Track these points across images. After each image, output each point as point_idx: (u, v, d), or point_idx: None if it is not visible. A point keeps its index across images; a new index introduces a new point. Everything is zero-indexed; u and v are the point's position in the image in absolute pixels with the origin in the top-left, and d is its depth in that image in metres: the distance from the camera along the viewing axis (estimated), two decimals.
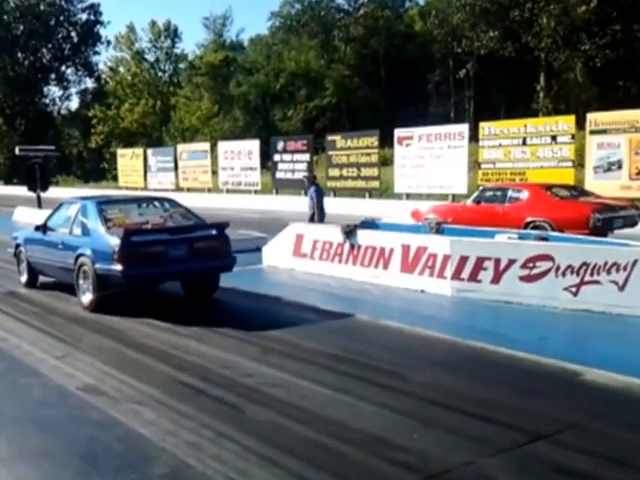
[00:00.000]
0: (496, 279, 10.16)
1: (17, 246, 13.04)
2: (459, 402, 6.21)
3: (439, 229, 12.48)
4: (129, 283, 10.08)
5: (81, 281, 10.66)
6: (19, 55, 77.99)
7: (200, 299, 11.34)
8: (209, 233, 10.87)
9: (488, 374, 7.12)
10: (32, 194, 26.14)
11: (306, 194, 17.26)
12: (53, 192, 31.33)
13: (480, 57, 47.67)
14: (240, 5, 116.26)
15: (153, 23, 78.49)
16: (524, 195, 16.08)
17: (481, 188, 19.09)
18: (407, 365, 7.41)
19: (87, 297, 10.54)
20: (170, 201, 12.41)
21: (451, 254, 10.69)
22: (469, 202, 17.39)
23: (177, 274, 10.77)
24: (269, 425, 5.79)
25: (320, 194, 16.02)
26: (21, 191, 35.10)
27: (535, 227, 14.69)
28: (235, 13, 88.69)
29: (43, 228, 12.02)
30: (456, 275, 10.60)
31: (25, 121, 76.02)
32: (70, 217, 11.44)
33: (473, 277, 10.41)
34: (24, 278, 12.84)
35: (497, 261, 10.16)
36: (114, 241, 9.97)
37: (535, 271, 9.80)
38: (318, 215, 15.47)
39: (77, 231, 11.08)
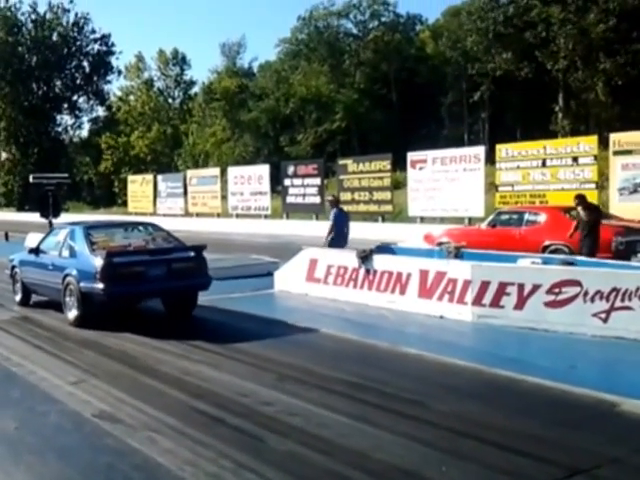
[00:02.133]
0: (520, 305, 9.97)
1: (13, 267, 13.99)
2: (488, 433, 6.02)
3: (458, 253, 12.29)
4: (110, 300, 11.00)
5: (67, 298, 11.52)
6: (33, 85, 79.59)
7: (180, 316, 12.08)
8: (187, 255, 11.75)
9: (516, 404, 6.93)
10: (44, 220, 26.27)
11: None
12: (64, 218, 31.36)
13: (495, 78, 47.64)
14: (250, 32, 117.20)
15: (161, 52, 79.54)
16: (542, 218, 15.93)
17: (497, 211, 18.93)
18: (429, 394, 7.22)
19: (73, 313, 11.39)
20: (153, 226, 13.39)
21: (472, 279, 10.50)
22: (484, 225, 17.28)
23: (156, 292, 11.60)
24: (289, 455, 5.66)
25: (342, 218, 15.47)
26: (33, 217, 35.30)
27: (553, 251, 14.49)
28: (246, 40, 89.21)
29: (36, 251, 12.95)
30: (477, 301, 10.40)
31: (38, 149, 77.14)
32: (60, 241, 12.40)
33: (495, 303, 10.21)
34: (18, 297, 13.77)
35: (521, 286, 9.97)
36: (97, 262, 10.85)
37: (561, 297, 9.59)
38: (337, 239, 14.97)
39: (65, 253, 12.00)
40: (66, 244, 12.08)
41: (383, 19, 63.66)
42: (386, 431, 6.10)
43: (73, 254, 11.76)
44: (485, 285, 10.34)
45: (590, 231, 13.03)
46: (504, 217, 17.25)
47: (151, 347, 9.71)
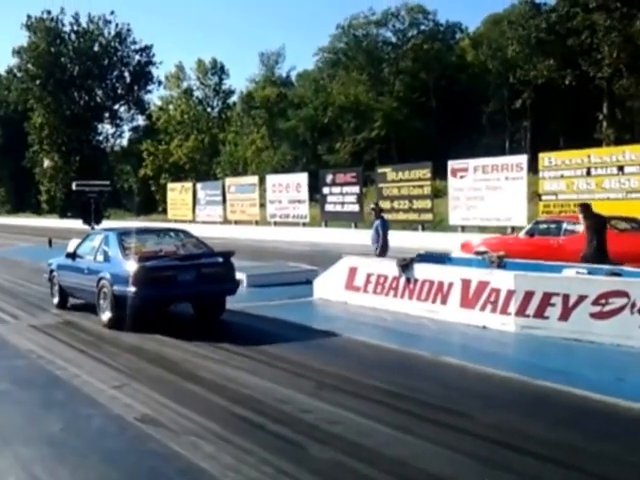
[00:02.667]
0: (565, 316, 9.81)
1: (51, 271, 14.43)
2: (532, 445, 5.92)
3: (501, 263, 12.16)
4: (142, 303, 11.29)
5: (101, 301, 11.94)
6: (75, 95, 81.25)
7: (209, 319, 12.39)
8: (216, 260, 12.15)
9: (560, 415, 6.83)
10: (87, 227, 26.68)
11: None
12: (106, 225, 31.85)
13: (536, 86, 47.20)
14: (288, 41, 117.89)
15: (200, 62, 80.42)
16: (581, 228, 15.70)
17: (534, 220, 18.78)
18: (471, 404, 7.13)
19: (106, 315, 11.80)
20: (184, 232, 13.86)
21: (515, 289, 10.37)
22: (522, 234, 17.19)
23: (186, 296, 11.96)
24: (331, 463, 5.65)
25: (386, 227, 15.56)
26: (75, 224, 35.94)
27: None
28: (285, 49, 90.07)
29: (73, 255, 13.44)
30: (521, 311, 10.26)
31: (80, 157, 78.58)
32: (95, 246, 12.89)
33: (539, 313, 10.06)
34: (56, 300, 14.16)
35: (566, 297, 9.81)
36: (130, 266, 11.30)
37: (608, 308, 9.42)
38: (381, 248, 14.94)
39: (100, 258, 12.49)
40: (101, 249, 12.56)
41: (422, 27, 63.57)
42: (427, 441, 6.05)
43: (107, 259, 12.26)
44: (529, 295, 10.20)
45: (592, 239, 12.79)
46: (542, 226, 17.14)
47: (191, 353, 9.76)
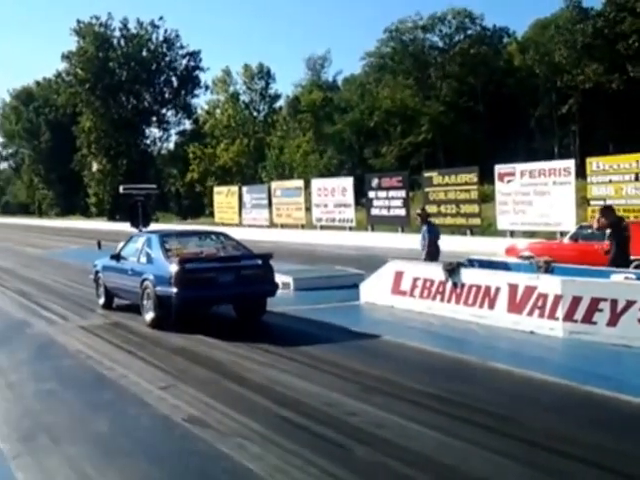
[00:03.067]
0: (613, 321, 9.65)
1: (96, 273, 14.77)
2: (582, 451, 5.86)
3: (548, 268, 12.02)
4: (183, 304, 11.57)
5: (145, 302, 12.20)
6: (123, 99, 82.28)
7: (250, 321, 12.58)
8: (255, 262, 12.38)
9: (611, 422, 6.73)
10: (134, 230, 27.01)
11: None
12: (154, 228, 32.18)
13: (585, 91, 46.67)
14: (333, 46, 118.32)
15: (246, 66, 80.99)
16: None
17: (579, 225, 18.61)
18: (519, 410, 7.08)
19: (149, 315, 12.07)
20: (224, 235, 14.12)
21: (563, 294, 10.24)
22: (566, 239, 17.22)
23: (225, 297, 12.13)
24: (377, 466, 5.65)
25: (434, 233, 15.28)
26: (123, 227, 36.46)
27: (638, 266, 14.03)
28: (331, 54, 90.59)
29: (117, 257, 13.75)
30: (568, 316, 10.12)
31: (127, 161, 79.56)
32: (138, 248, 13.17)
33: (587, 319, 9.92)
34: (101, 300, 14.53)
35: (614, 302, 9.66)
36: (172, 268, 11.54)
37: None
38: (428, 254, 14.78)
39: (143, 259, 12.77)
40: (144, 251, 12.86)
41: (469, 32, 63.21)
42: (473, 445, 6.01)
43: (150, 260, 12.54)
44: (577, 300, 10.07)
45: (612, 243, 12.58)
46: (586, 231, 16.96)
47: (238, 355, 9.83)
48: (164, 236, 13.25)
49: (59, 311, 14.43)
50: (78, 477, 5.61)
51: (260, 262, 12.33)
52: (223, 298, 12.13)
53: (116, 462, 5.94)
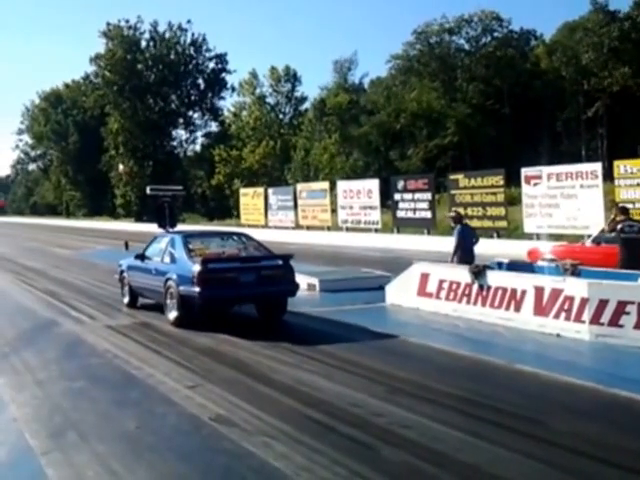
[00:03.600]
0: None
1: (121, 272, 15.06)
2: (609, 454, 5.86)
3: (575, 271, 11.97)
4: (205, 303, 11.78)
5: (168, 300, 12.40)
6: (150, 101, 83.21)
7: (271, 320, 12.77)
8: (276, 263, 12.54)
9: (636, 424, 6.74)
10: (162, 231, 27.25)
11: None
12: (180, 229, 32.41)
13: (612, 94, 46.39)
14: (360, 48, 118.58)
15: (273, 69, 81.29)
16: None
17: (601, 229, 18.49)
18: (546, 412, 7.07)
19: (173, 314, 12.27)
20: (246, 236, 14.40)
21: (589, 297, 10.22)
22: (588, 243, 17.20)
23: (247, 297, 12.31)
24: (403, 466, 5.68)
25: (465, 234, 14.79)
26: (151, 228, 36.81)
27: None
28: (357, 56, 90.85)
29: (142, 257, 13.94)
30: (595, 319, 10.09)
31: (154, 162, 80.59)
32: (162, 248, 13.41)
33: (614, 322, 9.89)
34: (126, 299, 14.79)
35: None
36: (194, 267, 11.73)
37: None
38: (461, 255, 14.38)
39: (167, 259, 13.00)
40: (167, 251, 13.10)
41: (496, 34, 62.96)
42: (501, 447, 6.02)
43: (173, 260, 12.77)
44: (603, 304, 10.04)
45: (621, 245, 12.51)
46: (609, 235, 16.85)
47: (264, 355, 9.90)
48: (187, 236, 13.54)
49: (87, 311, 14.61)
50: (106, 473, 5.68)
51: (281, 262, 12.51)
52: (244, 297, 12.30)
53: (143, 459, 6.02)
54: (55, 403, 7.84)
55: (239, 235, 14.53)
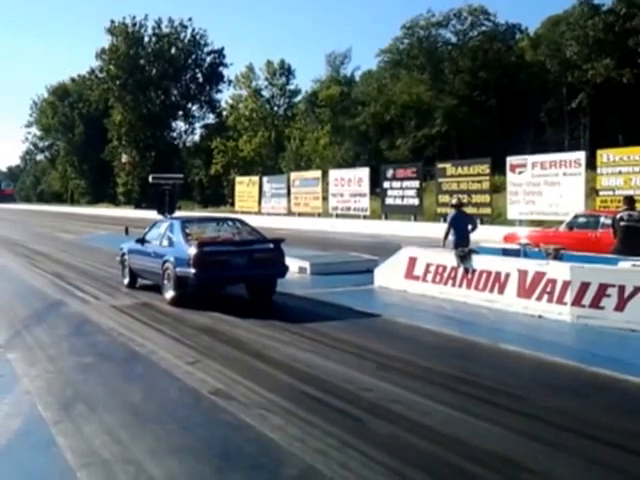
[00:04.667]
0: (620, 306, 9.89)
1: (122, 255, 15.61)
2: (589, 429, 6.11)
3: (557, 255, 12.32)
4: (200, 284, 12.33)
5: (165, 281, 13.03)
6: (152, 94, 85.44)
7: (261, 300, 13.30)
8: (267, 246, 13.15)
9: (618, 402, 6.98)
10: (160, 216, 27.70)
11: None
12: (178, 215, 32.77)
13: (595, 85, 46.77)
14: (351, 43, 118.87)
15: (269, 63, 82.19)
16: None
17: (574, 214, 19.01)
18: (530, 389, 7.33)
19: (169, 294, 12.87)
20: (240, 221, 14.88)
21: (571, 280, 10.51)
22: (562, 228, 17.68)
23: (239, 278, 13.07)
24: (392, 438, 5.89)
25: (458, 220, 14.76)
26: (149, 214, 37.22)
27: None
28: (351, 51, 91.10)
29: (142, 241, 14.51)
30: (577, 301, 10.39)
31: (155, 152, 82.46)
32: (161, 232, 13.98)
33: (595, 304, 10.18)
34: (126, 280, 15.35)
35: (621, 288, 9.90)
36: (190, 250, 12.31)
37: None
38: (456, 240, 14.21)
39: (165, 243, 13.55)
40: (166, 235, 13.66)
41: (483, 28, 63.10)
42: (486, 421, 6.24)
43: (171, 244, 13.31)
44: (585, 286, 10.32)
45: (616, 232, 12.92)
46: (581, 220, 17.72)
47: (260, 334, 10.17)
48: (185, 222, 14.06)
49: (92, 292, 14.97)
50: (113, 442, 5.87)
51: (272, 246, 13.09)
52: (237, 278, 13.03)
53: (148, 429, 6.24)
54: (65, 377, 8.06)
55: (234, 220, 14.98)
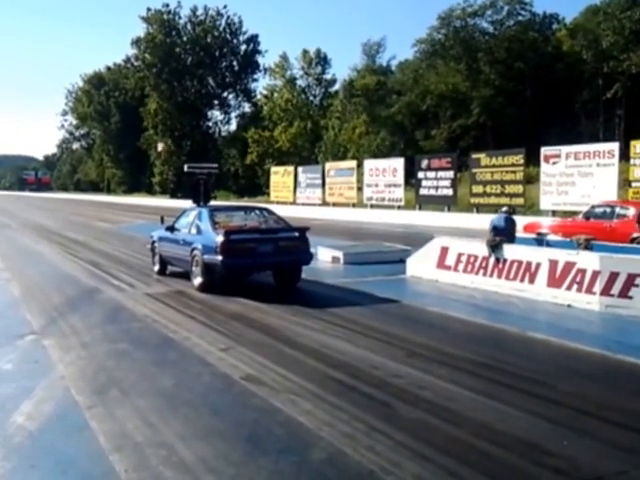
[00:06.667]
0: None
1: (152, 242, 15.96)
2: (611, 414, 6.19)
3: (588, 245, 12.35)
4: (227, 271, 12.67)
5: (194, 268, 13.34)
6: (188, 83, 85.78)
7: (287, 287, 13.59)
8: (292, 235, 13.46)
9: None
10: (196, 206, 27.92)
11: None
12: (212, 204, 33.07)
13: (631, 75, 46.18)
14: (388, 32, 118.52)
15: (305, 52, 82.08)
16: (631, 212, 16.66)
17: (591, 205, 19.22)
18: (555, 375, 7.42)
19: (197, 280, 13.21)
20: (267, 210, 15.28)
21: (601, 270, 10.55)
22: (579, 217, 18.11)
23: (265, 265, 13.32)
24: (419, 423, 6.00)
25: (498, 222, 14.01)
26: (184, 204, 37.59)
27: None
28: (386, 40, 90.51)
29: (171, 229, 14.84)
30: (605, 291, 10.44)
31: (190, 142, 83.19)
32: (190, 220, 14.29)
33: (624, 293, 10.22)
34: (157, 267, 15.73)
35: None
36: (218, 238, 12.58)
37: None
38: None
39: (194, 231, 13.84)
40: (194, 223, 13.97)
41: (519, 18, 62.44)
42: (511, 407, 6.34)
43: (199, 231, 13.59)
44: (614, 276, 10.37)
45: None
46: (597, 210, 18.04)
47: (291, 322, 10.34)
48: (213, 210, 14.39)
49: (126, 279, 15.23)
50: (145, 426, 6.02)
51: (297, 234, 13.37)
52: (262, 266, 13.29)
53: (179, 413, 6.36)
54: (99, 363, 8.24)
55: (261, 209, 15.35)
